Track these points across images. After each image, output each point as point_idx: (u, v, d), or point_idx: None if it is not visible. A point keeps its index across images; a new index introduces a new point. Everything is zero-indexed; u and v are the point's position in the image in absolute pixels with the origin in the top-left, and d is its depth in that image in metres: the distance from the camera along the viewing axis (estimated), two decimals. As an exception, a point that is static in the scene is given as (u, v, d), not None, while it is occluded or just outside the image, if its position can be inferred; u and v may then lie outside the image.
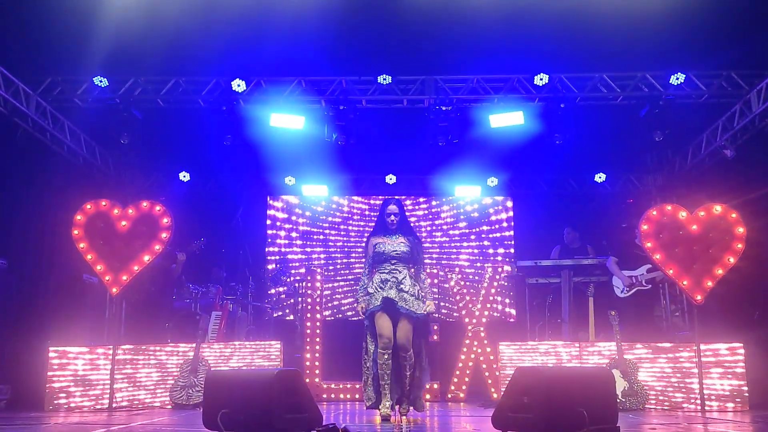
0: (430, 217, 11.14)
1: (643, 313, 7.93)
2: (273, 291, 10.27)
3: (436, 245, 10.98)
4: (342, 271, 10.82)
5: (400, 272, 5.37)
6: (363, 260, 5.82)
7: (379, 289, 5.34)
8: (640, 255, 7.69)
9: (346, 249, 10.95)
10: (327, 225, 11.06)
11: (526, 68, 8.55)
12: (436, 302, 8.92)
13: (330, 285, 10.52)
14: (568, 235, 9.05)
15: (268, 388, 4.10)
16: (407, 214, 5.95)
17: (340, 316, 10.48)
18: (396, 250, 5.42)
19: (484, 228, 11.02)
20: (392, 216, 5.52)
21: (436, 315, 5.57)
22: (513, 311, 10.37)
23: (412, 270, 5.54)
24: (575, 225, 9.17)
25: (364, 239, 6.01)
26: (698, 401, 6.46)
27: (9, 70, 7.69)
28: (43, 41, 7.58)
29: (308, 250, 10.98)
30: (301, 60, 8.38)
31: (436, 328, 7.55)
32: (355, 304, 5.72)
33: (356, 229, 10.97)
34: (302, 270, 10.38)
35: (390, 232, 5.52)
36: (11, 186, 8.18)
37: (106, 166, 9.91)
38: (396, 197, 5.77)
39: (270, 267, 10.66)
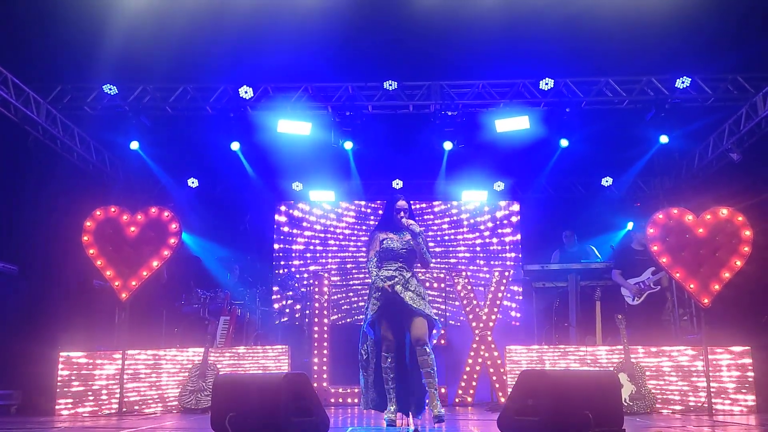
0: (437, 221, 11.17)
1: (651, 318, 7.88)
2: (281, 296, 10.31)
3: (442, 249, 11.00)
4: (350, 276, 10.85)
5: (406, 271, 5.22)
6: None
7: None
8: (641, 260, 7.64)
9: (353, 253, 10.99)
10: (334, 230, 11.11)
11: (531, 73, 8.59)
12: (443, 306, 8.98)
13: (338, 289, 10.55)
14: (567, 239, 9.07)
15: (275, 391, 4.13)
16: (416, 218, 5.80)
17: (348, 320, 10.51)
18: (404, 248, 5.25)
19: (491, 232, 11.03)
20: (402, 212, 5.31)
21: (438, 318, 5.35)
22: (520, 315, 10.37)
23: (418, 270, 5.37)
24: (573, 226, 9.16)
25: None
26: (706, 405, 6.45)
27: (20, 78, 7.79)
28: (54, 50, 7.70)
29: (316, 254, 11.03)
30: (307, 67, 8.46)
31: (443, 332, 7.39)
32: (365, 308, 5.54)
33: (363, 233, 11.00)
34: (310, 274, 10.42)
35: (398, 228, 5.32)
36: (22, 193, 8.28)
37: (116, 172, 10.02)
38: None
39: (278, 272, 10.71)
